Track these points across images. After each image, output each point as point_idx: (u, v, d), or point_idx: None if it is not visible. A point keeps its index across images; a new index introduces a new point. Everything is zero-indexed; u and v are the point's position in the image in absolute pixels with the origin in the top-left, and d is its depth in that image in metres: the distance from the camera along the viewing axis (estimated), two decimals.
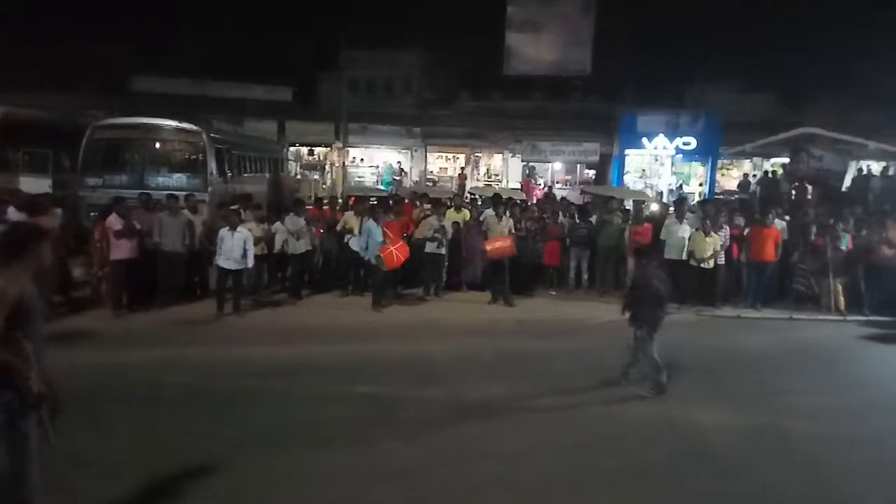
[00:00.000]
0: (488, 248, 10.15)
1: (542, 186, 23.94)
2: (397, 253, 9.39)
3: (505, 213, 10.65)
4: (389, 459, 4.78)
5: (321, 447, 4.92)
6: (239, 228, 8.89)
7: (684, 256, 10.22)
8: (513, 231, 10.54)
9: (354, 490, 4.33)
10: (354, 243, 10.16)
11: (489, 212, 11.41)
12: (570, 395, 6.28)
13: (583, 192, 20.00)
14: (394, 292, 10.19)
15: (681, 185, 22.86)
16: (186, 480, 4.34)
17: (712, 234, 10.11)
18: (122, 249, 8.63)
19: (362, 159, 27.62)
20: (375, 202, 11.65)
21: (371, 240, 9.58)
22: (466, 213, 11.51)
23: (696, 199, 19.85)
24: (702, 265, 10.11)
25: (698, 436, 5.43)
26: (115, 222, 8.62)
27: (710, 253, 10.05)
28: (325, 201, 13.06)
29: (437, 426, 5.43)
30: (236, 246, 8.74)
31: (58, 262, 8.72)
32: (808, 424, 5.71)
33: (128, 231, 8.67)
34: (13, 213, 8.84)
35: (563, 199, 15.52)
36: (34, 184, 13.16)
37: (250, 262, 8.95)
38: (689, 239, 10.25)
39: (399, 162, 27.00)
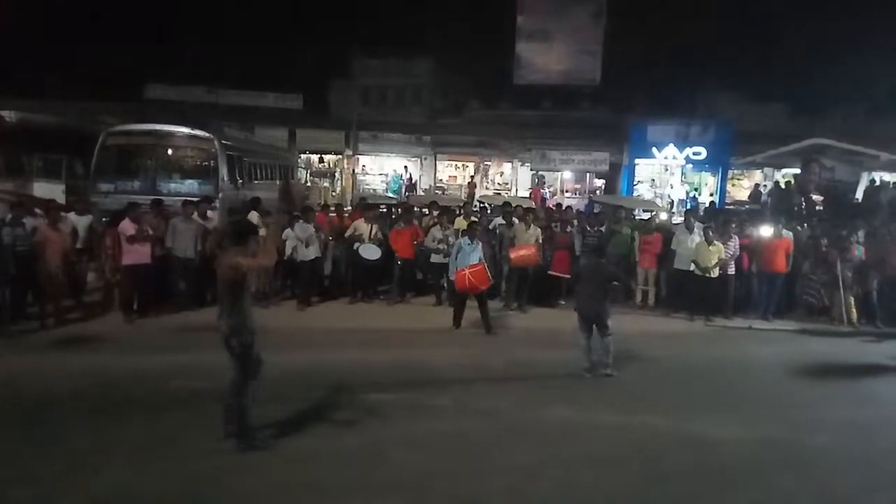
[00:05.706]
0: (513, 255, 10.06)
1: (546, 197, 23.76)
2: (471, 278, 8.74)
3: (532, 221, 10.61)
4: (396, 470, 4.76)
5: (326, 456, 4.91)
6: None
7: (691, 267, 10.17)
8: (539, 240, 10.47)
9: (359, 502, 4.31)
10: (364, 251, 10.19)
11: (498, 220, 11.42)
12: (579, 405, 6.25)
13: (592, 201, 19.96)
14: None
15: (695, 197, 22.76)
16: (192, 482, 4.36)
17: (716, 242, 9.99)
18: (133, 254, 8.69)
19: (363, 165, 27.68)
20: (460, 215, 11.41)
21: (460, 256, 9.08)
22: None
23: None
24: (706, 274, 9.95)
25: (709, 449, 5.38)
26: (128, 227, 8.69)
27: (714, 262, 9.90)
28: (332, 208, 13.09)
29: (445, 435, 5.41)
30: None
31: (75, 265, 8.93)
32: (820, 438, 5.64)
33: (141, 236, 8.73)
34: (28, 219, 8.99)
35: (568, 207, 15.48)
36: (48, 189, 13.33)
37: None
38: (694, 248, 10.18)
39: (406, 167, 27.03)
